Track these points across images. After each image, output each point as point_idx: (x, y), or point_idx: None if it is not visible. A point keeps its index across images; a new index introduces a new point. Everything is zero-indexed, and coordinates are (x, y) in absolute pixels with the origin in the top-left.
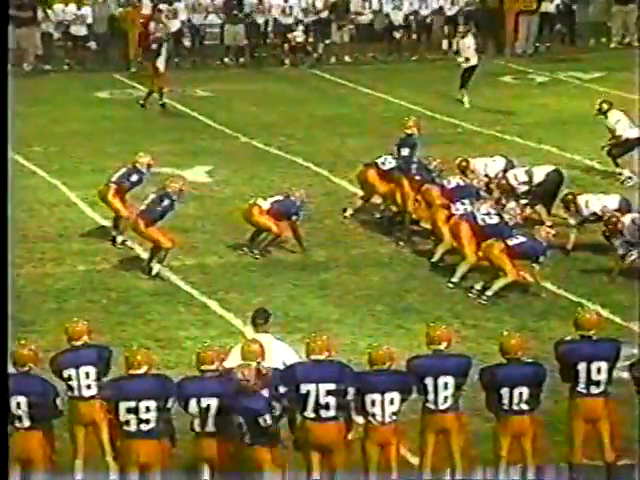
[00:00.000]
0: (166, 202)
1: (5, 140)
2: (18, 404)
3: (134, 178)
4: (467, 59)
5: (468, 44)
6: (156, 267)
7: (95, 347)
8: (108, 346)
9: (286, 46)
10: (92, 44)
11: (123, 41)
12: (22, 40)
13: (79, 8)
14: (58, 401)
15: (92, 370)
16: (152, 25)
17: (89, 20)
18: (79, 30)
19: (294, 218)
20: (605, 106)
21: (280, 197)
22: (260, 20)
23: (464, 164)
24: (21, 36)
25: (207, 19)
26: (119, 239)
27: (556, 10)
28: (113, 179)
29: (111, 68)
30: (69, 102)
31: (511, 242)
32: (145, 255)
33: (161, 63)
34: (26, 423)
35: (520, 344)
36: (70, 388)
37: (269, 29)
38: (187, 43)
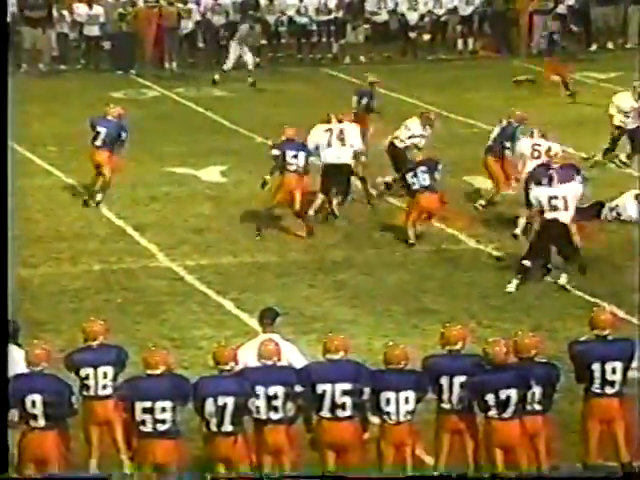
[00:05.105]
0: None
1: (5, 142)
2: (33, 403)
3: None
4: None
5: None
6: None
7: (113, 348)
8: (123, 347)
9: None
10: (106, 44)
11: (137, 41)
12: (38, 41)
13: (91, 8)
14: (73, 400)
15: (110, 370)
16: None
17: (102, 19)
18: (92, 30)
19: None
20: None
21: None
22: (272, 20)
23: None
24: (37, 37)
25: (227, 19)
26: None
27: (569, 11)
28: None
29: (126, 68)
30: (84, 102)
31: None
32: (161, 255)
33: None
34: (41, 422)
35: (534, 344)
36: (86, 387)
37: (284, 29)
38: (200, 44)
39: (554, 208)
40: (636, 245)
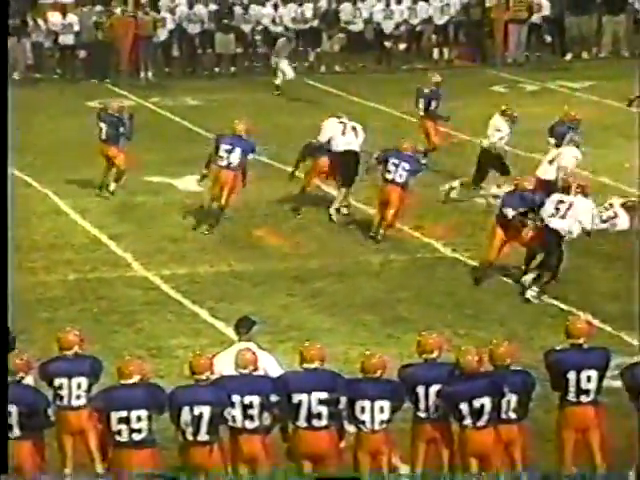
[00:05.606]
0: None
1: (5, 151)
2: (9, 413)
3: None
4: None
5: None
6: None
7: (88, 358)
8: (98, 357)
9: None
10: (81, 53)
11: (113, 50)
12: (12, 49)
13: (65, 17)
14: (49, 411)
15: (84, 381)
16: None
17: (76, 28)
18: (67, 39)
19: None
20: None
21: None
22: (247, 29)
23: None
24: (11, 45)
25: (202, 28)
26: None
27: (543, 20)
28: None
29: (101, 77)
30: (60, 111)
31: None
32: (137, 264)
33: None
34: (16, 432)
35: (509, 352)
36: (59, 397)
37: (259, 38)
38: (175, 53)
39: (556, 211)
40: (614, 253)
